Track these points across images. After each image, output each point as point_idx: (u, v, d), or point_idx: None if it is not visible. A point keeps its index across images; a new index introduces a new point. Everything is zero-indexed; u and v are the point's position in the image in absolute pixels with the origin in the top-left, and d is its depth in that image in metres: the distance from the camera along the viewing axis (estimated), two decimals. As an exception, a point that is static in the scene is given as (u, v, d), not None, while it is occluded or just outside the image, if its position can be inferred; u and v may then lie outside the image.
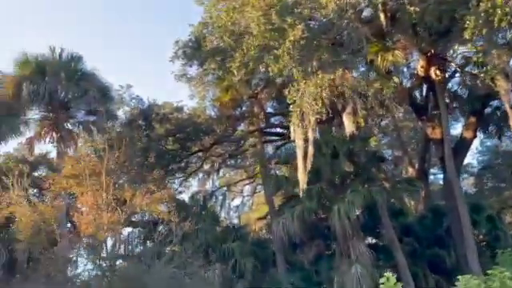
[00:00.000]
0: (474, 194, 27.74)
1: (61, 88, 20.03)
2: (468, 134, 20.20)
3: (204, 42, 19.35)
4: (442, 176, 27.75)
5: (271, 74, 12.58)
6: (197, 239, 17.80)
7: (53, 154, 22.54)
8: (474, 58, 16.12)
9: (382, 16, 14.81)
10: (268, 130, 25.47)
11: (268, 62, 12.55)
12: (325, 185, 19.10)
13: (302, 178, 15.19)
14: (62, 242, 13.26)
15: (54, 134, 20.04)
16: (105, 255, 12.69)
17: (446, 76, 19.86)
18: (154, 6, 42.72)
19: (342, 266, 18.41)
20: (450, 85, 21.28)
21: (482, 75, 14.72)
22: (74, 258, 13.25)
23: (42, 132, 20.34)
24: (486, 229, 21.42)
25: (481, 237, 21.89)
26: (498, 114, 21.25)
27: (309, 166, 15.05)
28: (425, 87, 20.62)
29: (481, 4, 12.24)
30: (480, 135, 23.84)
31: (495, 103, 20.88)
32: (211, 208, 25.55)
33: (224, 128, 23.80)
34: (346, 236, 18.23)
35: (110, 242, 12.89)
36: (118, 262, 12.43)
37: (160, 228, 13.44)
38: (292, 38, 11.74)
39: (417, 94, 21.62)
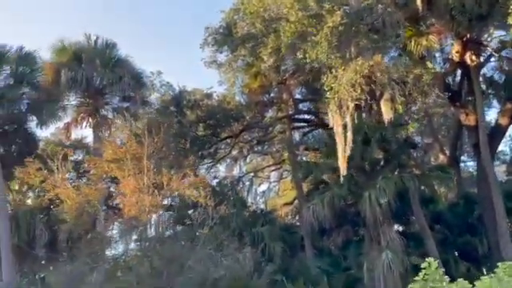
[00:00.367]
0: (506, 182, 27.14)
1: (96, 74, 20.54)
2: (503, 121, 19.75)
3: (235, 29, 19.44)
4: (471, 164, 27.26)
5: (308, 60, 12.61)
6: (231, 223, 18.22)
7: (88, 139, 23.37)
8: (512, 42, 15.66)
9: (418, 0, 14.55)
10: (296, 116, 25.48)
11: (305, 48, 12.55)
12: (355, 171, 19.15)
13: (343, 164, 15.23)
14: (104, 223, 13.84)
15: (91, 120, 20.67)
16: (145, 237, 13.20)
17: (481, 61, 19.41)
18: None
19: (372, 252, 18.53)
20: (484, 70, 20.79)
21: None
22: (117, 239, 13.84)
23: (79, 118, 21.01)
24: (518, 217, 21.06)
25: (513, 225, 21.53)
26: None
27: (348, 153, 15.08)
28: (459, 73, 20.21)
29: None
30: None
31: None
32: (239, 193, 25.96)
33: (253, 114, 23.94)
34: (376, 222, 18.29)
35: (149, 224, 13.38)
36: (158, 243, 12.92)
37: (196, 211, 13.83)
38: (331, 24, 11.71)
39: (450, 79, 21.21)
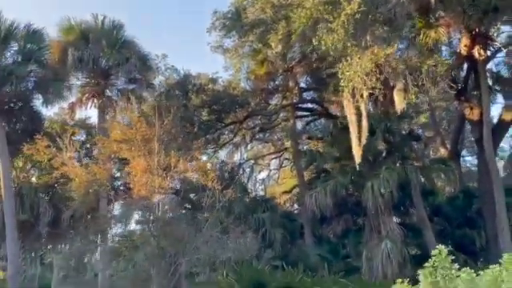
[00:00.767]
0: (505, 178, 27.48)
1: (103, 55, 20.39)
2: (507, 117, 19.91)
3: (244, 14, 19.32)
4: (469, 159, 27.53)
5: (324, 47, 12.62)
6: (236, 208, 18.37)
7: (92, 120, 23.32)
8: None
9: (432, -8, 14.54)
10: (300, 105, 25.52)
11: (321, 35, 12.54)
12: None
13: (358, 152, 15.33)
14: (111, 202, 13.92)
15: (96, 100, 20.59)
16: (152, 218, 13.33)
17: (488, 55, 19.46)
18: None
19: (372, 241, 18.81)
20: (490, 65, 20.85)
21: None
22: (123, 218, 13.95)
23: (84, 98, 20.91)
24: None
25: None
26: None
27: (364, 141, 15.18)
28: (465, 66, 20.26)
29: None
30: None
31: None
32: (240, 179, 26.12)
33: (257, 101, 23.95)
34: (377, 212, 18.53)
35: (157, 205, 13.49)
36: (165, 224, 13.05)
37: (204, 194, 13.96)
38: (349, 12, 11.71)
39: (455, 73, 21.24)
